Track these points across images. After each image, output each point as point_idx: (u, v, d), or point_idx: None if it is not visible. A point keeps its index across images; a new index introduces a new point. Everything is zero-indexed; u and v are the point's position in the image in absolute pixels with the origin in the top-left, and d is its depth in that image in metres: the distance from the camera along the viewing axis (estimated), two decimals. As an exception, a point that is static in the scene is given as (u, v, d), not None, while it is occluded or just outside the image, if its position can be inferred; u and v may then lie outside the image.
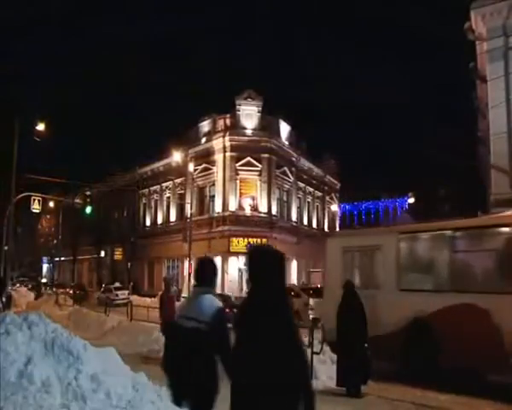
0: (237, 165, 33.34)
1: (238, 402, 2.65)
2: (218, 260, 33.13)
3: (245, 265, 3.17)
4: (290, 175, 36.82)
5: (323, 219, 43.94)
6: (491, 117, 22.74)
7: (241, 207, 33.21)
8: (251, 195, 33.51)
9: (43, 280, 50.22)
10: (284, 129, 36.33)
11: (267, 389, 2.48)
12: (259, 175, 33.48)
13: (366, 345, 7.89)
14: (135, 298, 27.10)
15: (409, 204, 36.86)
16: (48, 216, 55.34)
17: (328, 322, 8.80)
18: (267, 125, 34.39)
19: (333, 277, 10.36)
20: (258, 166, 33.42)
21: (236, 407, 2.66)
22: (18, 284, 42.51)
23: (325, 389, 8.46)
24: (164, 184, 40.22)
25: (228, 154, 33.59)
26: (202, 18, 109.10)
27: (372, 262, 9.95)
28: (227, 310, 3.98)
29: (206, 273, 3.85)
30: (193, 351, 3.39)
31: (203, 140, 35.62)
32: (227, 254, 32.59)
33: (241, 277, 32.72)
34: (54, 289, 36.68)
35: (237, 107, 33.96)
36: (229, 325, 3.17)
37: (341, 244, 10.53)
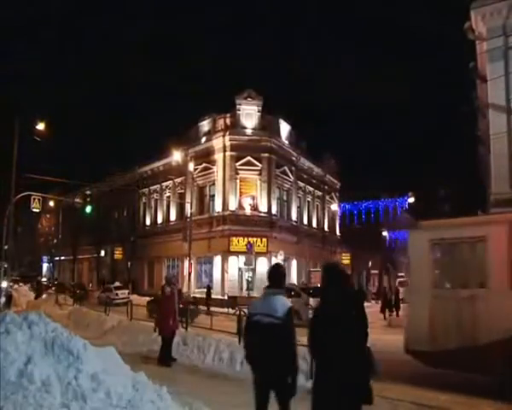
0: (237, 164, 33.32)
1: (324, 365, 3.83)
2: (217, 260, 33.20)
3: (322, 276, 4.16)
4: (290, 175, 36.81)
5: (323, 218, 43.94)
6: (490, 117, 22.76)
7: (241, 207, 33.20)
8: (251, 194, 33.49)
9: (43, 280, 50.16)
10: (284, 128, 36.32)
11: (344, 354, 3.65)
12: (259, 175, 33.46)
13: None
14: (135, 297, 27.10)
15: (409, 204, 36.77)
16: (48, 215, 55.34)
17: (416, 329, 8.07)
18: (267, 125, 34.37)
19: (418, 276, 8.98)
20: (258, 166, 33.41)
21: (323, 368, 3.84)
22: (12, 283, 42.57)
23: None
24: (164, 184, 40.19)
25: (228, 153, 33.57)
26: (202, 18, 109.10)
27: (472, 257, 8.53)
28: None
29: (276, 277, 4.72)
30: (271, 341, 4.30)
31: (203, 139, 35.60)
32: (227, 253, 32.58)
33: (240, 276, 32.71)
34: (53, 289, 36.67)
35: (237, 106, 33.93)
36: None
37: (429, 237, 8.92)
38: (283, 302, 4.49)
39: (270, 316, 4.38)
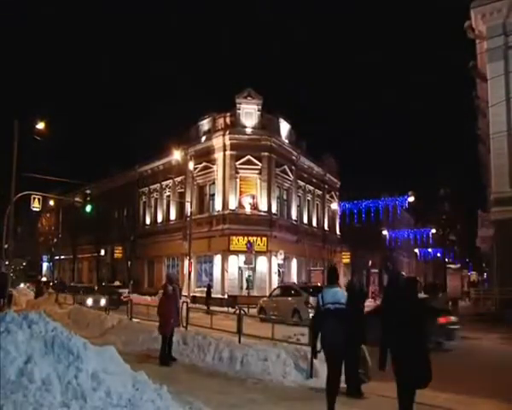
0: (237, 163, 33.30)
1: (390, 330, 5.09)
2: (217, 259, 33.21)
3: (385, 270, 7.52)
4: (290, 174, 36.79)
5: (323, 217, 43.92)
6: (491, 116, 22.76)
7: (241, 206, 33.19)
8: (251, 193, 33.48)
9: (43, 279, 50.11)
10: (284, 127, 36.30)
11: (408, 324, 4.99)
12: (259, 174, 33.45)
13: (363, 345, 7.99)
14: (135, 297, 27.08)
15: (409, 203, 36.76)
16: (48, 215, 55.29)
17: None
18: (267, 124, 34.35)
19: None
20: (258, 165, 33.40)
21: (389, 333, 5.10)
22: None
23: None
24: (164, 183, 40.18)
25: (228, 152, 33.56)
26: (202, 17, 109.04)
27: None
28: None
29: (334, 276, 6.75)
30: (339, 320, 6.06)
31: (203, 139, 35.58)
32: (227, 252, 32.58)
33: (240, 275, 32.71)
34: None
35: (237, 105, 33.90)
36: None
37: None
38: (343, 293, 6.51)
39: (335, 303, 6.21)
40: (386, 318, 5.24)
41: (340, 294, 6.38)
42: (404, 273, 32.25)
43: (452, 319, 14.12)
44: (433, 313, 13.23)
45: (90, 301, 23.88)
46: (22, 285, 42.87)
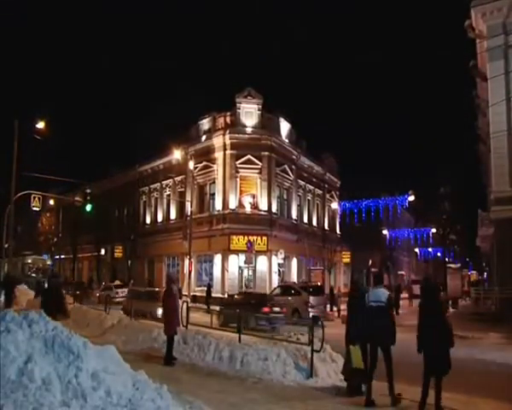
0: (237, 163, 33.29)
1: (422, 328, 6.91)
2: (218, 258, 33.20)
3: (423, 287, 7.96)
4: (290, 173, 36.78)
5: (324, 216, 43.90)
6: (491, 115, 22.73)
7: (241, 205, 33.18)
8: (251, 193, 33.46)
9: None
10: (284, 127, 36.28)
11: (434, 325, 6.71)
12: (259, 173, 33.43)
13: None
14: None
15: (409, 202, 36.72)
16: (48, 214, 55.30)
17: None
18: (267, 124, 34.33)
19: None
20: (258, 164, 33.38)
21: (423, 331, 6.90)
22: None
23: (325, 386, 8.47)
24: (164, 182, 40.15)
25: (228, 152, 33.54)
26: (202, 16, 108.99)
27: None
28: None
29: (379, 277, 8.63)
30: (380, 316, 7.27)
31: (203, 138, 35.56)
32: (227, 252, 32.56)
33: (241, 274, 32.71)
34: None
35: (237, 105, 33.88)
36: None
37: None
38: (384, 293, 7.55)
39: (377, 302, 7.37)
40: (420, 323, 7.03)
41: (381, 294, 7.48)
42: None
43: (275, 309, 18.43)
44: (260, 304, 18.09)
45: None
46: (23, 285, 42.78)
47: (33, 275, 39.11)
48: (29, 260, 43.83)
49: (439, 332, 6.67)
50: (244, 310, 13.94)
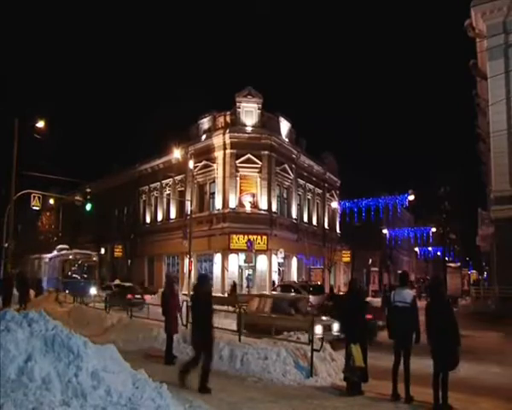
0: (237, 162, 33.28)
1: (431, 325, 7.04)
2: (218, 258, 33.20)
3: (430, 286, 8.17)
4: (290, 172, 36.77)
5: (323, 216, 43.90)
6: (491, 114, 22.73)
7: (241, 205, 33.16)
8: (251, 192, 33.45)
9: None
10: (284, 126, 36.26)
11: (441, 324, 6.89)
12: (259, 172, 33.42)
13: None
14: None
15: (409, 201, 36.71)
16: (48, 213, 55.30)
17: None
18: (267, 123, 34.31)
19: None
20: (258, 164, 33.37)
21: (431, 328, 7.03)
22: None
23: (325, 385, 8.48)
24: (164, 182, 40.14)
25: (228, 151, 33.53)
26: (202, 15, 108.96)
27: None
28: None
29: (404, 278, 8.36)
30: (405, 316, 7.44)
31: (203, 137, 35.54)
32: (227, 251, 32.57)
33: (241, 274, 32.70)
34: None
35: (237, 104, 33.86)
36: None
37: None
38: (409, 293, 7.77)
39: (402, 302, 7.54)
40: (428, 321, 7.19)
41: (406, 294, 7.67)
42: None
43: (136, 296, 22.84)
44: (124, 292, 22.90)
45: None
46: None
47: (75, 276, 30.22)
48: (70, 257, 32.72)
49: (447, 331, 6.84)
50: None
